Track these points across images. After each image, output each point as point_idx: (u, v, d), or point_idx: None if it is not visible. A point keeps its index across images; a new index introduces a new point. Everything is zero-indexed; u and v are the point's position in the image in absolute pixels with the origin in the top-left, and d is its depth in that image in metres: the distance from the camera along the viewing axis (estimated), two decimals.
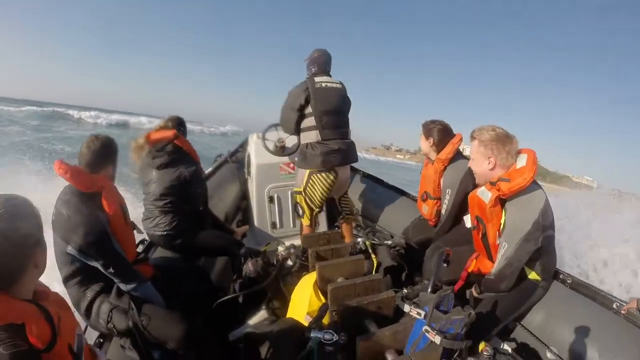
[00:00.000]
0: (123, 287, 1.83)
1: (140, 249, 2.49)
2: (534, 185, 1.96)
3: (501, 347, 1.97)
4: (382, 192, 4.19)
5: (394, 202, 3.87)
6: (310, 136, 3.14)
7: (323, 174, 3.11)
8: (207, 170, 3.67)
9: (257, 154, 3.87)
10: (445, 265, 1.80)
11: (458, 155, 2.81)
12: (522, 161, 1.99)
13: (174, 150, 2.64)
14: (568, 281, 2.29)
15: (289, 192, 3.85)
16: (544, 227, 1.93)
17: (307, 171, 3.15)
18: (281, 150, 3.84)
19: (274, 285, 2.19)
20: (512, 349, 2.10)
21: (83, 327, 1.65)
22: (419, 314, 1.46)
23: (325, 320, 1.69)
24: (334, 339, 1.43)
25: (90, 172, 1.86)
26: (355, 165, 3.78)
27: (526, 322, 2.21)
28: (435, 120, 2.94)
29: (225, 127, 44.46)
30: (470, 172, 2.49)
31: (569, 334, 2.04)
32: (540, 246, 1.93)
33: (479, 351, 1.45)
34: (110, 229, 1.82)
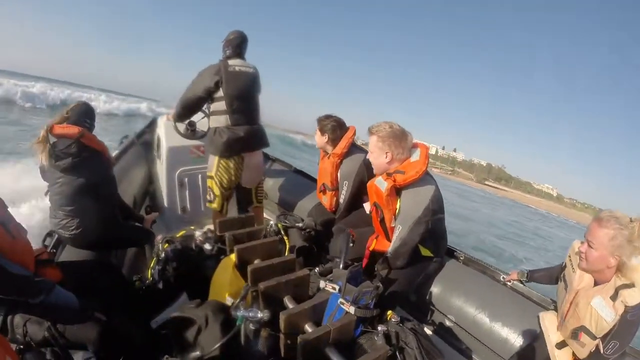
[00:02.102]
0: (31, 301, 1.62)
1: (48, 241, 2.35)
2: (426, 176, 2.21)
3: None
4: (290, 177, 4.32)
5: (302, 186, 4.00)
6: (220, 120, 3.13)
7: (231, 160, 3.15)
8: (114, 154, 3.50)
9: (167, 136, 3.77)
10: (351, 244, 2.00)
11: (353, 148, 2.97)
12: (415, 155, 2.22)
13: (80, 150, 2.32)
14: (461, 258, 2.67)
15: (199, 176, 3.83)
16: (434, 211, 2.17)
17: (216, 157, 3.17)
18: (192, 133, 3.79)
19: (194, 269, 2.23)
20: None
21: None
22: (333, 288, 1.64)
23: (247, 301, 1.80)
24: (259, 316, 1.57)
25: None
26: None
27: (425, 295, 2.52)
28: (330, 116, 3.05)
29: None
30: (364, 164, 2.74)
31: (464, 303, 2.38)
32: (431, 227, 2.17)
33: (387, 319, 1.69)
34: (1, 252, 1.53)
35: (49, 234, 2.40)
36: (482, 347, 2.31)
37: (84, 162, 2.35)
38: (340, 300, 1.60)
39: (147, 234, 2.76)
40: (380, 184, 2.20)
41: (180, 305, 1.97)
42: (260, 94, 3.35)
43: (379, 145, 2.23)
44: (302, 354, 1.39)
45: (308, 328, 1.58)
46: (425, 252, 2.31)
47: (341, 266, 1.78)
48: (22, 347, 1.71)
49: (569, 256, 1.95)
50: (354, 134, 2.98)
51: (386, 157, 2.22)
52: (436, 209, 2.19)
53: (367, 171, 2.64)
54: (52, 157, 2.29)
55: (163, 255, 2.20)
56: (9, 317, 1.67)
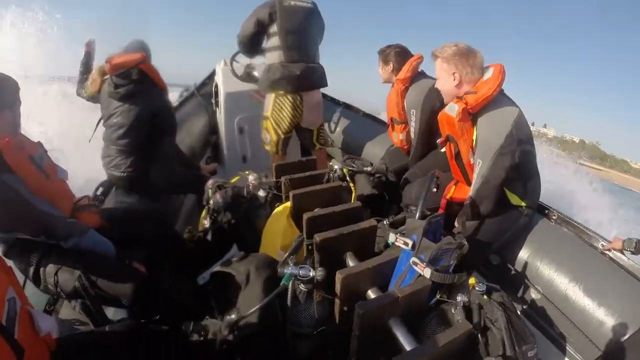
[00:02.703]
0: (63, 245, 1.54)
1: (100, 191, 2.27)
2: (504, 99, 1.90)
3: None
4: (358, 120, 3.97)
5: (371, 131, 3.67)
6: (274, 57, 2.96)
7: (289, 97, 2.96)
8: (174, 105, 3.39)
9: (225, 83, 3.59)
10: (435, 189, 1.64)
11: (420, 75, 2.67)
12: (488, 74, 1.90)
13: (140, 78, 2.24)
14: (553, 217, 2.19)
15: (261, 122, 3.62)
16: (519, 141, 1.82)
17: (272, 95, 2.99)
18: (250, 77, 3.55)
19: (245, 218, 2.03)
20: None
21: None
22: (405, 243, 1.31)
23: (301, 254, 1.57)
24: (310, 275, 1.28)
25: None
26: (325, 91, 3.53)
27: (510, 259, 2.13)
28: (391, 45, 2.81)
29: None
30: (434, 89, 2.37)
31: (554, 273, 1.97)
32: (518, 162, 1.83)
33: (470, 287, 1.32)
34: (29, 188, 1.45)
35: (102, 184, 2.32)
36: (573, 329, 1.88)
37: (143, 90, 2.26)
38: (414, 259, 1.27)
39: (202, 180, 2.60)
40: (451, 109, 1.92)
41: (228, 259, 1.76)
42: (323, 33, 3.18)
43: (444, 68, 1.97)
44: (360, 325, 1.14)
45: (371, 293, 1.31)
46: (514, 198, 1.95)
47: (417, 216, 1.43)
48: (54, 297, 1.59)
49: None
50: (420, 58, 2.66)
51: (454, 79, 1.95)
52: (522, 137, 1.84)
53: (438, 100, 2.30)
54: (112, 85, 2.22)
55: (212, 202, 2.02)
56: (42, 266, 1.53)
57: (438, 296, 1.29)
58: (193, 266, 1.99)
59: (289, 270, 1.28)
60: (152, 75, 2.33)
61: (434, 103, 2.42)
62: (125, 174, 2.30)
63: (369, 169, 2.36)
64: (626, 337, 1.67)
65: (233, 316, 1.26)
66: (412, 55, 2.71)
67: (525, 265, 2.05)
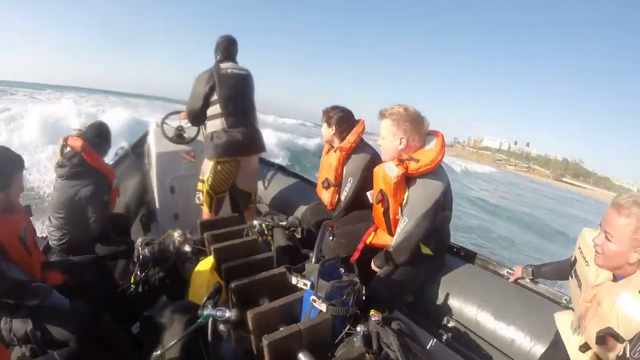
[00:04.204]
0: (27, 304, 1.72)
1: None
2: (439, 168, 2.06)
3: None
4: (289, 182, 4.19)
5: (297, 189, 3.91)
6: (216, 124, 3.12)
7: (228, 164, 3.13)
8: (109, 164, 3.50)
9: (156, 143, 3.73)
10: (330, 238, 1.88)
11: (361, 144, 2.81)
12: (431, 143, 2.06)
13: (79, 163, 2.52)
14: (461, 253, 2.51)
15: (191, 182, 3.77)
16: (443, 207, 2.04)
17: (212, 161, 3.13)
18: (180, 138, 3.75)
19: (173, 271, 2.18)
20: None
21: None
22: (305, 284, 1.53)
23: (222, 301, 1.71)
24: (227, 315, 1.48)
25: None
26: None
27: (426, 296, 2.36)
28: (337, 107, 2.89)
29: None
30: (371, 161, 2.58)
31: (464, 302, 2.21)
32: (437, 224, 2.05)
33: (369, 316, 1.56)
34: (4, 254, 1.69)
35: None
36: (489, 348, 2.13)
37: (79, 175, 2.50)
38: (312, 297, 1.48)
39: (128, 243, 2.75)
40: (390, 169, 2.04)
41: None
42: (255, 97, 3.35)
43: (392, 130, 2.06)
44: (271, 357, 1.29)
45: (280, 327, 1.47)
46: (426, 250, 2.17)
47: (313, 260, 1.66)
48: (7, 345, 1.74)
49: (579, 247, 1.67)
50: (364, 128, 2.83)
51: (400, 143, 2.05)
52: (446, 204, 2.07)
53: (374, 167, 2.41)
54: (57, 162, 2.50)
55: (141, 258, 2.14)
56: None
57: (347, 329, 1.48)
58: (128, 315, 2.12)
59: (207, 311, 1.48)
60: (94, 164, 2.59)
61: (370, 171, 2.48)
62: (60, 245, 2.51)
63: (283, 223, 2.54)
64: (537, 348, 1.93)
65: (158, 352, 1.43)
66: (355, 121, 2.85)
67: (438, 298, 2.30)
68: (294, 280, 1.57)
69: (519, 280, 2.25)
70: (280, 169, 4.48)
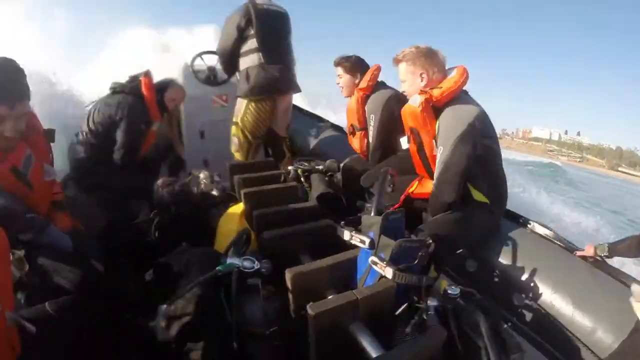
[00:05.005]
0: (21, 238, 1.49)
1: None
2: (468, 98, 1.90)
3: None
4: (323, 130, 3.92)
5: (335, 139, 3.62)
6: (252, 59, 2.89)
7: (263, 103, 2.91)
8: None
9: (185, 84, 3.41)
10: (390, 189, 1.55)
11: (380, 85, 2.68)
12: (452, 72, 1.92)
13: (135, 86, 2.59)
14: (529, 224, 2.12)
15: (222, 127, 3.50)
16: (482, 133, 1.81)
17: (245, 100, 2.92)
18: (212, 79, 3.52)
19: (195, 214, 1.94)
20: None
21: None
22: (362, 241, 1.19)
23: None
24: (255, 267, 1.14)
25: None
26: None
27: (487, 265, 2.01)
28: (350, 55, 2.80)
29: None
30: (393, 97, 2.46)
31: (537, 279, 1.86)
32: (480, 154, 1.79)
33: (441, 291, 1.20)
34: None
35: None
36: (564, 336, 1.74)
37: (127, 95, 2.56)
38: (372, 258, 1.15)
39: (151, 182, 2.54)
40: (414, 100, 1.89)
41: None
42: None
43: (410, 70, 1.95)
44: (316, 330, 1.00)
45: (329, 295, 1.17)
46: (477, 195, 1.87)
47: (373, 212, 1.31)
48: None
49: None
50: (379, 69, 2.69)
51: (421, 79, 1.93)
52: (485, 132, 1.83)
53: (397, 107, 2.27)
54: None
55: (157, 195, 1.96)
56: None
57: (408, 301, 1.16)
58: (142, 261, 1.86)
59: (230, 260, 1.15)
60: (146, 92, 2.61)
61: (393, 109, 2.44)
62: (74, 165, 2.51)
63: (320, 167, 2.34)
64: (618, 341, 1.58)
65: (167, 305, 1.12)
66: (367, 65, 2.75)
67: (504, 272, 1.94)
68: (346, 235, 1.24)
69: (593, 263, 1.89)
70: (316, 117, 4.17)
